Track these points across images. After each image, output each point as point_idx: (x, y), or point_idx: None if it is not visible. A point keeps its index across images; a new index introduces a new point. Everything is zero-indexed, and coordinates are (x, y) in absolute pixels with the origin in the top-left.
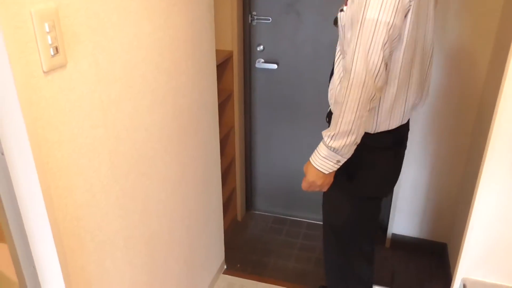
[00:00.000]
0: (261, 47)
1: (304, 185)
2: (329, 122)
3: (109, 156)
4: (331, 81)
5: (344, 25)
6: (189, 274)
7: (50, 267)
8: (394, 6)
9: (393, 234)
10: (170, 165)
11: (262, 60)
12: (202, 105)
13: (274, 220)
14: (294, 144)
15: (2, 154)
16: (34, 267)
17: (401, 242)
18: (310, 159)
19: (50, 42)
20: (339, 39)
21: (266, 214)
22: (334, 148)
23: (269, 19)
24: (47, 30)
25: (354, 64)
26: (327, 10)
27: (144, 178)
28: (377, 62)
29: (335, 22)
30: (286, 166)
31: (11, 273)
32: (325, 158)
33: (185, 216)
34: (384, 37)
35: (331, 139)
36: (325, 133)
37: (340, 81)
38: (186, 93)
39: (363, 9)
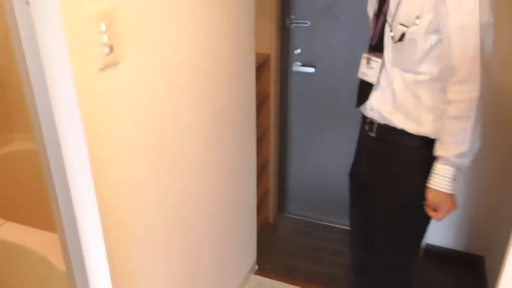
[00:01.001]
0: (299, 50)
1: (443, 216)
2: (377, 135)
3: (152, 152)
4: (378, 96)
5: (417, 39)
6: (221, 271)
7: (97, 257)
8: (492, 6)
9: (428, 244)
10: (208, 163)
11: (299, 64)
12: (240, 106)
13: (305, 224)
14: (328, 148)
15: (58, 145)
16: (82, 256)
17: (435, 253)
18: (441, 189)
19: (106, 41)
20: (393, 54)
21: (298, 217)
22: (464, 165)
23: (307, 23)
24: (104, 29)
25: (477, 74)
26: (365, 14)
27: (183, 175)
28: (489, 64)
29: (401, 38)
30: (320, 170)
31: (58, 262)
32: (454, 179)
33: (220, 215)
34: (493, 38)
35: (464, 157)
36: (452, 153)
37: (439, 93)
38: (224, 93)
39: (476, 15)
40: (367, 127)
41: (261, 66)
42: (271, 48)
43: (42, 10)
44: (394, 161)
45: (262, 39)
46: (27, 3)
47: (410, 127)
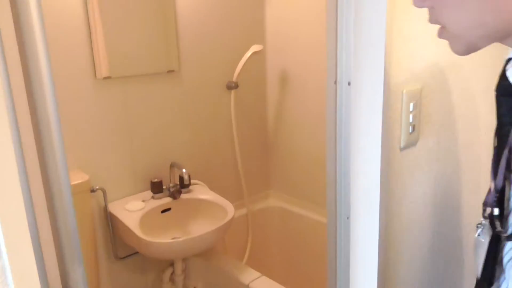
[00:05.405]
0: None
1: None
2: None
3: (431, 235)
4: None
5: None
6: None
7: (365, 220)
8: None
9: None
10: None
11: None
12: None
13: None
14: None
15: (348, 218)
16: (348, 218)
17: None
18: None
19: (411, 120)
20: None
21: None
22: None
23: None
24: (411, 109)
25: None
26: None
27: (450, 262)
28: None
29: None
30: None
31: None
32: None
33: None
34: None
35: None
36: None
37: None
38: None
39: None
40: None
41: None
42: None
43: (363, 90)
44: None
45: None
46: (349, 84)
47: None
